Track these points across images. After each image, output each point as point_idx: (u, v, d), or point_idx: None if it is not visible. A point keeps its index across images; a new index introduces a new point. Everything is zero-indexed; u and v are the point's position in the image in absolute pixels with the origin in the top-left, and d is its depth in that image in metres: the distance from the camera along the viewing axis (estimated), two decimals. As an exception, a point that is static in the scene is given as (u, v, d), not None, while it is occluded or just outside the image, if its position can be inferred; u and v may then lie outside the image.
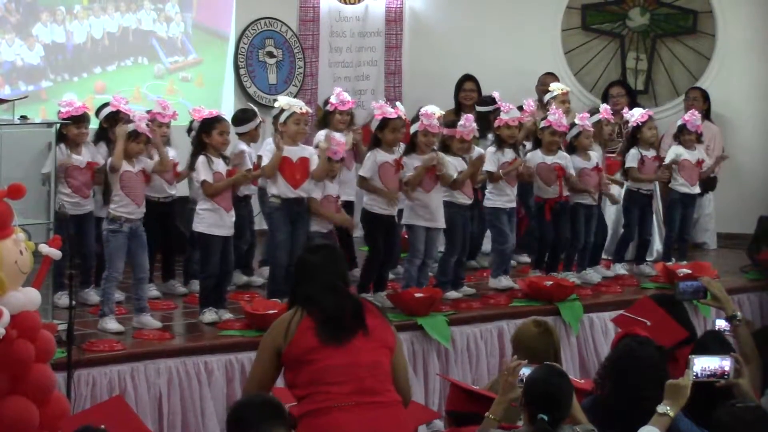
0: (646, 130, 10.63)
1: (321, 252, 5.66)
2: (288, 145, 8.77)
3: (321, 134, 9.54)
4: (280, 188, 8.75)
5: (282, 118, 8.85)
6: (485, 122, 10.02)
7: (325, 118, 10.13)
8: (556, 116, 9.95)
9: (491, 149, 9.76)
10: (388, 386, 5.37)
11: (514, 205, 9.88)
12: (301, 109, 8.81)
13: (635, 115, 10.65)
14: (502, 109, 9.80)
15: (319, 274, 5.49)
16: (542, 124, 10.00)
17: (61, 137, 8.77)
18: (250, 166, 9.21)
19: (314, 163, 8.82)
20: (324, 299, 5.41)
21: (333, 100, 10.02)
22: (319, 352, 5.29)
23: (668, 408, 5.15)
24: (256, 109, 10.06)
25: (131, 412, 5.86)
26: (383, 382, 5.35)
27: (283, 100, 9.09)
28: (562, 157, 10.02)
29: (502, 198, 9.78)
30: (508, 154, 9.74)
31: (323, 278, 5.47)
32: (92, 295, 9.02)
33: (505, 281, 9.79)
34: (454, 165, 9.33)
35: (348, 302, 5.46)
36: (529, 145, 10.32)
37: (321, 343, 5.30)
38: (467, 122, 9.43)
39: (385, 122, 9.08)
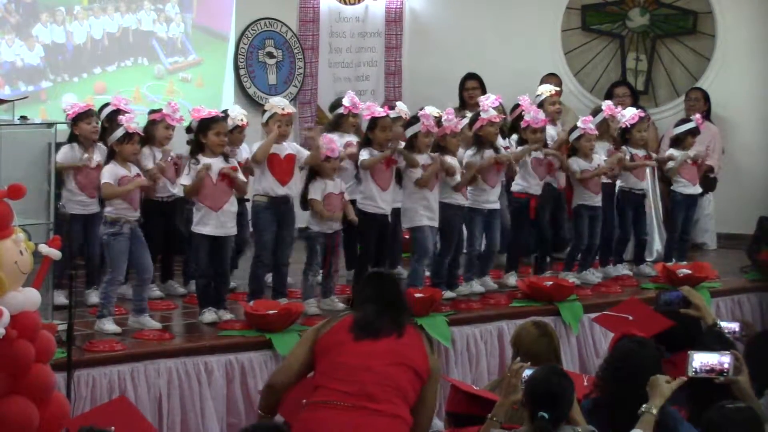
0: (635, 132, 10.65)
1: (379, 279, 5.87)
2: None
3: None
4: (267, 186, 8.75)
5: (264, 119, 8.87)
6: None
7: (338, 122, 10.07)
8: (531, 114, 9.95)
9: (469, 152, 9.61)
10: (393, 399, 5.36)
11: (495, 206, 9.68)
12: (283, 109, 8.81)
13: (626, 116, 10.66)
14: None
15: (377, 294, 5.66)
16: (521, 125, 9.99)
17: (73, 136, 8.81)
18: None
19: (299, 159, 8.85)
20: (368, 306, 5.57)
21: (346, 103, 9.93)
22: (341, 347, 5.36)
23: (649, 406, 5.15)
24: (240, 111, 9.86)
25: (137, 411, 5.86)
26: (388, 393, 5.35)
27: (273, 101, 9.06)
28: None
29: (479, 198, 9.62)
30: (487, 155, 9.65)
31: (374, 294, 5.66)
32: (93, 296, 9.01)
33: (476, 286, 9.72)
34: (456, 166, 9.36)
35: (390, 312, 5.54)
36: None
37: (347, 338, 5.36)
38: (449, 115, 9.39)
39: (374, 122, 9.09)
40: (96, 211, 8.88)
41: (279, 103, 8.92)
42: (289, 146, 8.91)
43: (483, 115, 9.63)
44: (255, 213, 8.84)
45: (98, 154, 8.94)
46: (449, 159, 9.32)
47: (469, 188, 9.58)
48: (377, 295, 5.63)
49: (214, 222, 8.46)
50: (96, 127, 8.94)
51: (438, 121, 9.40)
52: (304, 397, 5.54)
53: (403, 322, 5.56)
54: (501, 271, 10.29)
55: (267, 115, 8.84)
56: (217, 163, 8.46)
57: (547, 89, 11.15)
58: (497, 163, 9.56)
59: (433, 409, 5.70)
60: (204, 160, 8.41)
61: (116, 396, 7.35)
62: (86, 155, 8.85)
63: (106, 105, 9.29)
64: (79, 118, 8.88)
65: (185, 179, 8.47)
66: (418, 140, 9.18)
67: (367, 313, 5.52)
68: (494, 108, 9.88)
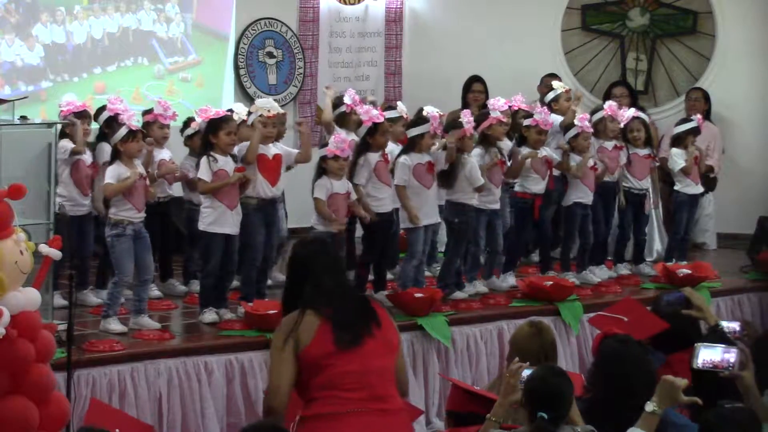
0: (628, 132, 10.72)
1: (313, 245, 5.66)
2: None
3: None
4: (257, 188, 8.68)
5: (249, 120, 8.82)
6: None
7: (340, 119, 10.02)
8: (542, 115, 9.96)
9: (477, 150, 9.56)
10: (393, 392, 5.38)
11: (496, 206, 9.65)
12: (269, 111, 8.76)
13: (625, 117, 10.71)
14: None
15: (315, 267, 5.45)
16: (528, 122, 10.00)
17: (64, 133, 8.82)
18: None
19: (287, 158, 8.84)
20: (336, 302, 5.39)
21: (347, 100, 9.90)
22: (337, 358, 5.27)
23: (655, 406, 5.14)
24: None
25: (112, 408, 5.85)
26: (389, 388, 5.36)
27: (258, 103, 9.04)
28: (546, 150, 10.09)
29: (484, 199, 9.55)
30: (493, 153, 9.67)
31: (324, 275, 5.44)
32: (90, 296, 9.01)
33: (479, 286, 9.72)
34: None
35: (359, 303, 5.47)
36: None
37: (338, 348, 5.28)
38: (467, 117, 9.41)
39: (375, 127, 9.08)
40: (88, 211, 8.93)
41: (264, 105, 8.83)
42: (276, 146, 8.86)
43: (492, 114, 9.65)
44: (244, 215, 8.63)
45: (89, 156, 8.95)
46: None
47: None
48: (337, 284, 5.46)
49: (231, 221, 8.46)
50: (88, 128, 8.95)
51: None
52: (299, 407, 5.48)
53: (374, 308, 5.51)
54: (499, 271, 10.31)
55: (252, 117, 8.79)
56: (227, 162, 8.46)
57: (560, 85, 11.17)
58: (501, 162, 9.61)
59: (407, 367, 5.69)
60: (221, 159, 8.41)
61: (116, 396, 7.38)
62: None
63: (103, 108, 9.28)
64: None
65: (205, 174, 8.40)
66: (424, 140, 9.18)
67: (344, 316, 5.35)
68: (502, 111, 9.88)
